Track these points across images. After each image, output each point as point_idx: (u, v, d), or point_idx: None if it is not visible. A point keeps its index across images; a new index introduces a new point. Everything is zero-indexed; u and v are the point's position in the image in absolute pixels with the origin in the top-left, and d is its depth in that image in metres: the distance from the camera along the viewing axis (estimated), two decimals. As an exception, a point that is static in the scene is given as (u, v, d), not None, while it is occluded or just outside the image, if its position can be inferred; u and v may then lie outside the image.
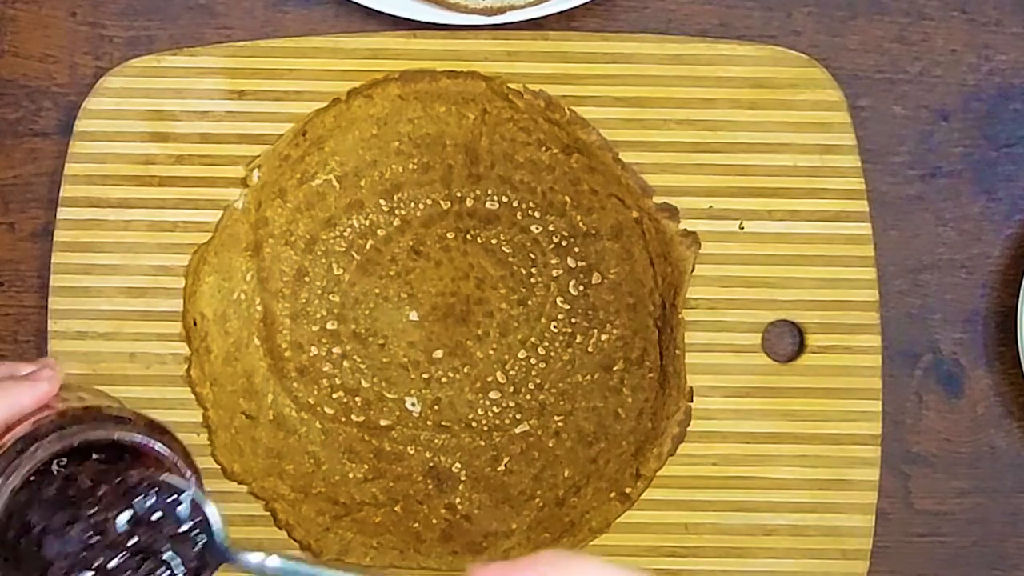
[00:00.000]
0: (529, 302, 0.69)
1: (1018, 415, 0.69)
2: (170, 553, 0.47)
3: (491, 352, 0.69)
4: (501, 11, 0.67)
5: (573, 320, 0.69)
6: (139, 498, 0.47)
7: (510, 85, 0.67)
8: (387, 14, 0.67)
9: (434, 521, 0.68)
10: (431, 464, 0.68)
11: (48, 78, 0.69)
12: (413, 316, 0.69)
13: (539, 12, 0.67)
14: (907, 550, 0.69)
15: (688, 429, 0.67)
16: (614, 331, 0.68)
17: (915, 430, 0.69)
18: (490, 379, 0.69)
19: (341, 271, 0.68)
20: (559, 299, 0.69)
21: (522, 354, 0.69)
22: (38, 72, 0.69)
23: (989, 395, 0.69)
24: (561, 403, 0.69)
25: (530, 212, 0.68)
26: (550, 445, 0.68)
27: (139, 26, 0.69)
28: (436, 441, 0.69)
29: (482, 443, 0.68)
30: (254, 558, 0.48)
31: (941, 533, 0.69)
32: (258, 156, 0.67)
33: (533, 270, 0.69)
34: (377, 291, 0.69)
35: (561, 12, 0.67)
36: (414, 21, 0.67)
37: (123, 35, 0.69)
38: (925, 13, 0.69)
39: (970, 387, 0.69)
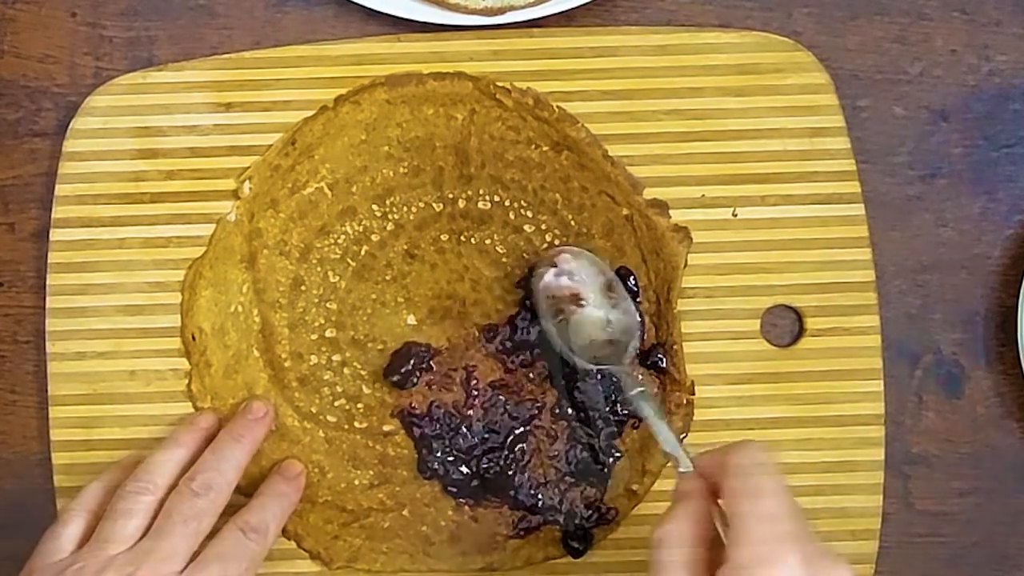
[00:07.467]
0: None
1: (1018, 415, 0.69)
2: None
3: (490, 353, 0.69)
4: (501, 11, 0.67)
5: (570, 317, 0.69)
6: None
7: (498, 83, 0.67)
8: (387, 15, 0.67)
9: (442, 523, 0.67)
10: (436, 467, 0.68)
11: (48, 78, 0.69)
12: (411, 320, 0.68)
13: (539, 12, 0.67)
14: (907, 550, 0.68)
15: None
16: (611, 328, 0.68)
17: (915, 430, 0.69)
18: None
19: (337, 278, 0.68)
20: (555, 297, 0.69)
21: (521, 354, 0.69)
22: (38, 72, 0.69)
23: (989, 395, 0.69)
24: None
25: (522, 211, 0.68)
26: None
27: (139, 26, 0.69)
28: (440, 444, 0.68)
29: (486, 445, 0.68)
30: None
31: (941, 533, 0.69)
32: (248, 168, 0.67)
33: (527, 270, 0.68)
34: (374, 296, 0.68)
35: (561, 12, 0.67)
36: (414, 22, 0.67)
37: (123, 35, 0.69)
38: (925, 13, 0.70)
39: (970, 387, 0.69)
